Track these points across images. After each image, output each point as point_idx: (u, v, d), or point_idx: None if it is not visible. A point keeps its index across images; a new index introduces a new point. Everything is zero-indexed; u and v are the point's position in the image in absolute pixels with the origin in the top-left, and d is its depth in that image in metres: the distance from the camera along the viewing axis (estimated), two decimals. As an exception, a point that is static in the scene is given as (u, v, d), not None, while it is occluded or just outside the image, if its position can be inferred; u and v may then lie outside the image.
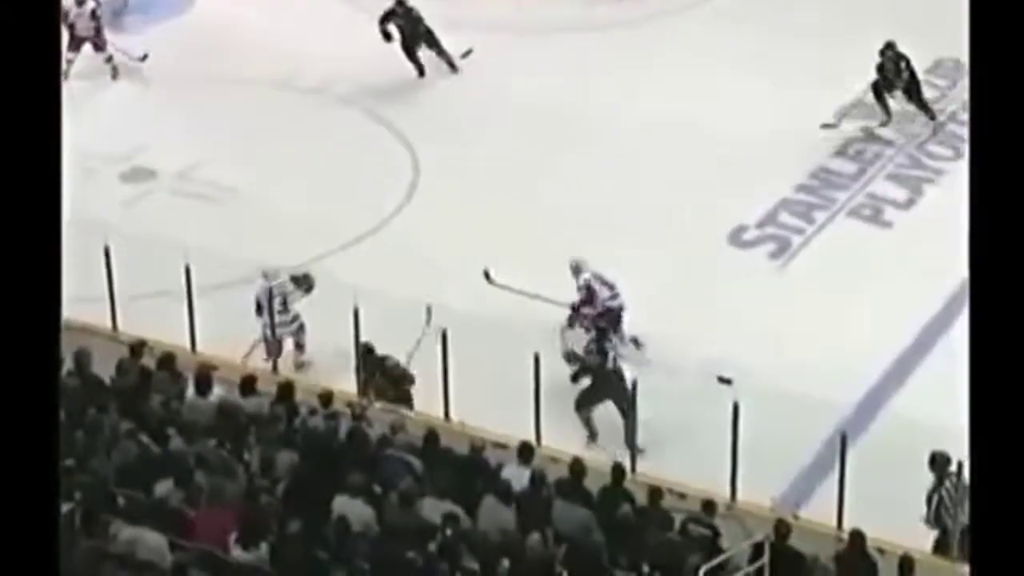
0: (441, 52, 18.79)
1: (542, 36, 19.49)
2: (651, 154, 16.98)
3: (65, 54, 18.64)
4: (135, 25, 20.09)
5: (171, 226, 15.38)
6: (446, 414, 12.60)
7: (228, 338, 13.63)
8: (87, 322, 13.67)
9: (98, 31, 19.23)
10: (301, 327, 13.96)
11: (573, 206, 16.09)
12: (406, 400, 12.98)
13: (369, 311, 12.71)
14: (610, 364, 13.04)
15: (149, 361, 12.44)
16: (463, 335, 12.37)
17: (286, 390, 11.91)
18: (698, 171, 16.49)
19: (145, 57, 19.17)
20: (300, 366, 13.91)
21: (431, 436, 11.39)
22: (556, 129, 17.52)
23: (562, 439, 12.39)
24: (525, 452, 11.30)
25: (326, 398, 11.93)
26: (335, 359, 13.40)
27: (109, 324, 13.77)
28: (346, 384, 12.94)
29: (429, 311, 12.73)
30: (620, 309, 13.99)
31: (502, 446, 11.57)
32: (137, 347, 12.57)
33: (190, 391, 12.03)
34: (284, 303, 13.81)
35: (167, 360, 12.37)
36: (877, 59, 17.34)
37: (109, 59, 19.28)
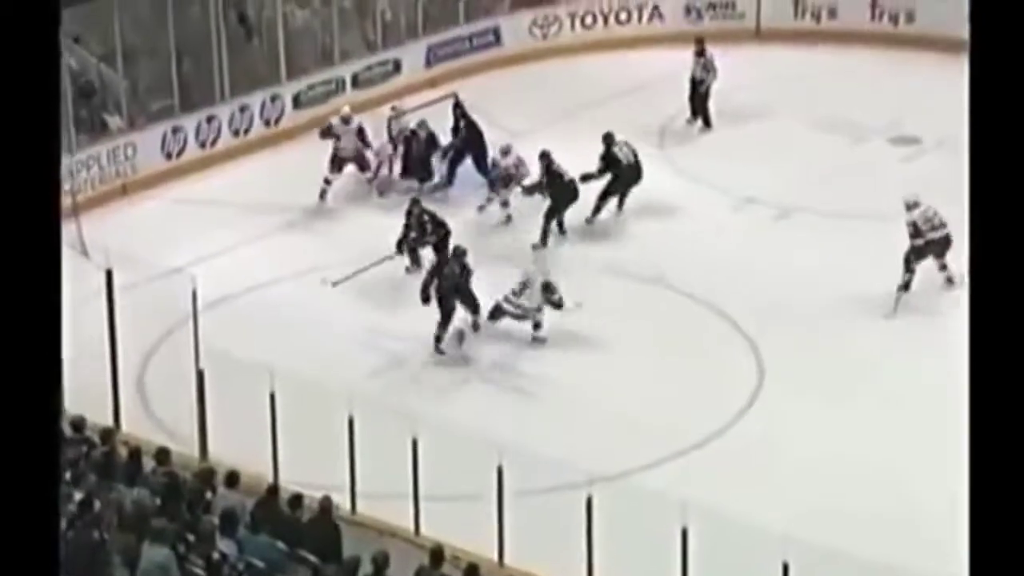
0: None
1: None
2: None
3: (325, 174, 19.70)
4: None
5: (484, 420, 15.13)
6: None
7: (539, 551, 13.04)
8: (387, 521, 13.37)
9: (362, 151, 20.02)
10: None
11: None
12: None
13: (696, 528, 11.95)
14: None
15: (452, 571, 11.98)
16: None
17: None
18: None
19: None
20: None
21: None
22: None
23: None
24: None
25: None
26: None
27: (412, 526, 13.39)
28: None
29: None
30: None
31: None
32: (438, 554, 12.15)
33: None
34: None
35: (472, 572, 11.89)
36: None
37: (371, 180, 19.94)
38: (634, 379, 16.27)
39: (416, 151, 20.60)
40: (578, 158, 19.98)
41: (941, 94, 22.92)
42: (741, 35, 25.33)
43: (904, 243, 17.68)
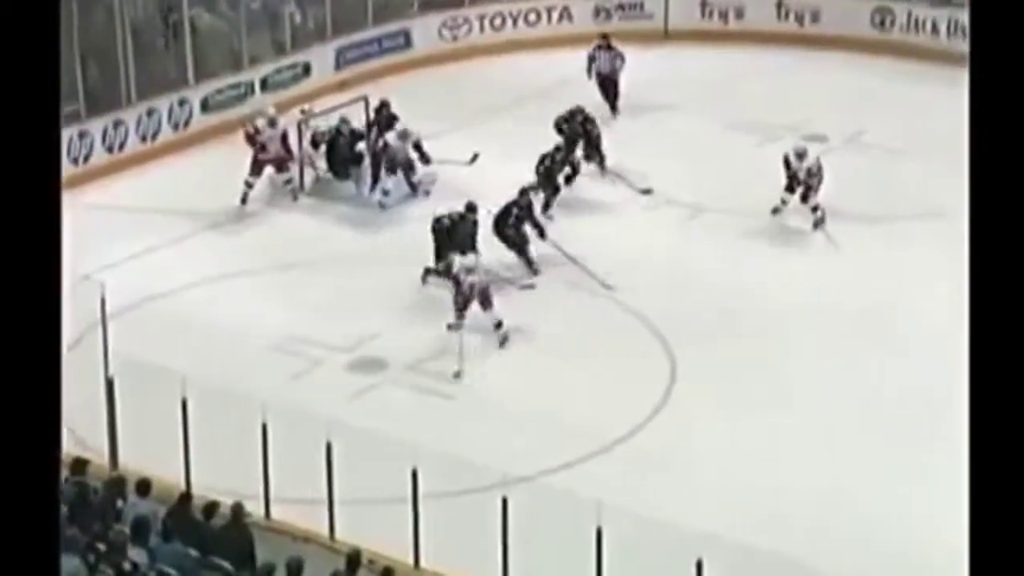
0: None
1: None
2: (944, 360, 16.07)
3: (247, 177, 19.83)
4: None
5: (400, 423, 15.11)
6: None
7: (455, 552, 13.02)
8: (306, 528, 13.30)
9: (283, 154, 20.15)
10: None
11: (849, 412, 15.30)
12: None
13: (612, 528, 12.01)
14: None
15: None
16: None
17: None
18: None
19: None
20: None
21: None
22: (836, 327, 16.84)
23: None
24: None
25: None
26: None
27: (327, 531, 13.33)
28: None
29: None
30: None
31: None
32: (354, 559, 12.10)
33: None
34: None
35: (387, 575, 11.85)
36: None
37: (289, 181, 20.07)
38: (549, 379, 16.28)
39: (340, 150, 20.55)
40: (489, 160, 20.05)
41: (847, 92, 23.35)
42: (650, 36, 25.48)
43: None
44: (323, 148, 20.69)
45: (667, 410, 15.77)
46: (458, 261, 16.92)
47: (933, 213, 19.31)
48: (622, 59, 22.82)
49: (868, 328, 17.04)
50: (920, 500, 14.06)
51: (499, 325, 16.88)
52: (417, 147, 20.26)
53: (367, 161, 20.63)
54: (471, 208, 17.99)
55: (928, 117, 21.85)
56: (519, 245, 18.21)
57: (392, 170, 20.19)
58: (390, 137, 20.31)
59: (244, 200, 20.10)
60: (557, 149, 19.85)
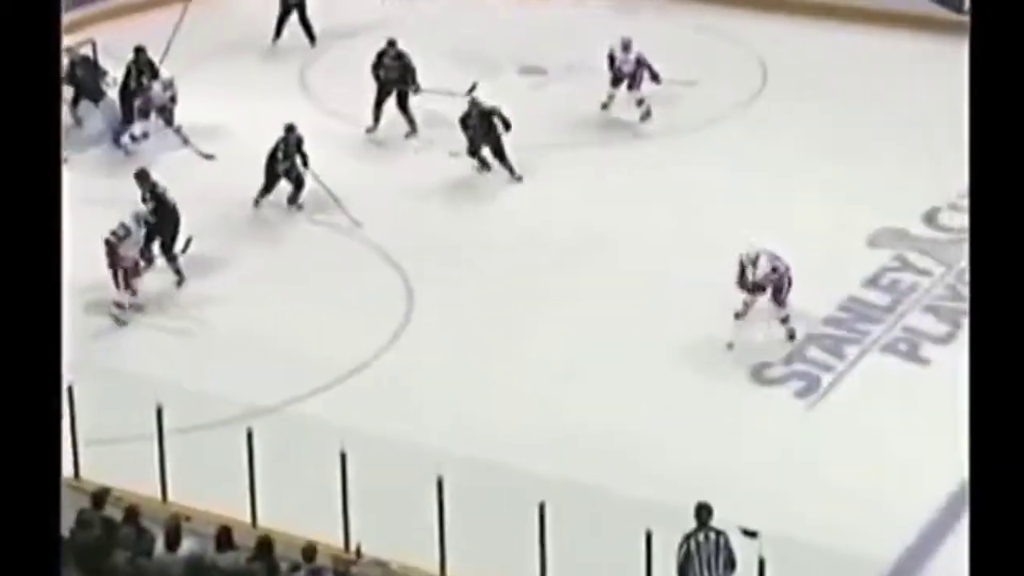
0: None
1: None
2: (666, 281, 16.76)
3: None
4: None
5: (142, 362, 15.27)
6: (442, 569, 12.28)
7: (203, 486, 13.27)
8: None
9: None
10: None
11: (577, 334, 15.96)
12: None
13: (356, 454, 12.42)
14: None
15: (114, 512, 12.07)
16: (461, 486, 12.13)
17: (265, 544, 11.57)
18: (716, 300, 16.17)
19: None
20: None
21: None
22: (561, 256, 17.45)
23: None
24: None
25: (309, 553, 11.55)
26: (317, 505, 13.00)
27: (71, 471, 13.39)
28: (332, 538, 12.55)
29: None
30: None
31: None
32: (100, 496, 12.22)
33: (159, 546, 11.65)
34: None
35: (132, 512, 12.00)
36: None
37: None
38: (283, 310, 16.51)
39: (84, 79, 20.41)
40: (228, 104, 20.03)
41: (565, 25, 23.81)
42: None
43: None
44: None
45: (404, 338, 16.16)
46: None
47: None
48: None
49: (582, 259, 17.57)
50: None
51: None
52: (173, 99, 20.09)
53: (109, 99, 20.39)
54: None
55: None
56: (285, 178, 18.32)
57: (145, 114, 20.03)
58: (154, 85, 20.07)
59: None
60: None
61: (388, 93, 20.42)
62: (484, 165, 19.21)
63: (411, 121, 20.41)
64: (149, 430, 13.03)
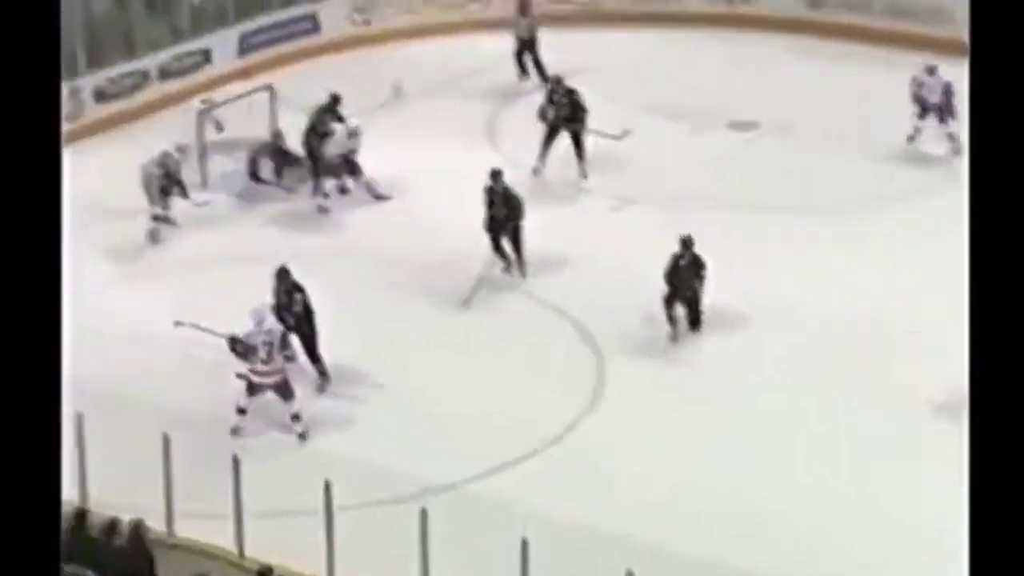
0: None
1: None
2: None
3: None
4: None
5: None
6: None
7: (371, 568, 13.31)
8: (212, 544, 13.52)
9: None
10: None
11: (784, 419, 15.78)
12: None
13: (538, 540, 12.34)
14: None
15: (277, 593, 12.20)
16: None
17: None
18: None
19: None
20: None
21: None
22: (776, 332, 17.32)
23: None
24: None
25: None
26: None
27: (235, 547, 13.54)
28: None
29: None
30: None
31: None
32: (265, 573, 12.34)
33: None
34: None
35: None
36: None
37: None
38: (469, 382, 16.50)
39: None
40: (407, 151, 20.22)
41: (779, 76, 23.61)
42: (576, 16, 25.65)
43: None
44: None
45: (593, 415, 16.01)
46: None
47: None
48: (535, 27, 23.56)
49: (786, 324, 17.38)
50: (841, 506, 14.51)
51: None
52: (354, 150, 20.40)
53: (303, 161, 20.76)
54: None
55: (864, 103, 22.26)
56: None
57: (332, 169, 20.33)
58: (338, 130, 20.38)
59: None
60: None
61: (556, 133, 20.59)
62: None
63: (582, 162, 20.56)
64: (316, 505, 13.09)
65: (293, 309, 16.30)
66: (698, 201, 19.93)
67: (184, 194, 19.65)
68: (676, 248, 17.19)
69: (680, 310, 17.18)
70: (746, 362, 16.83)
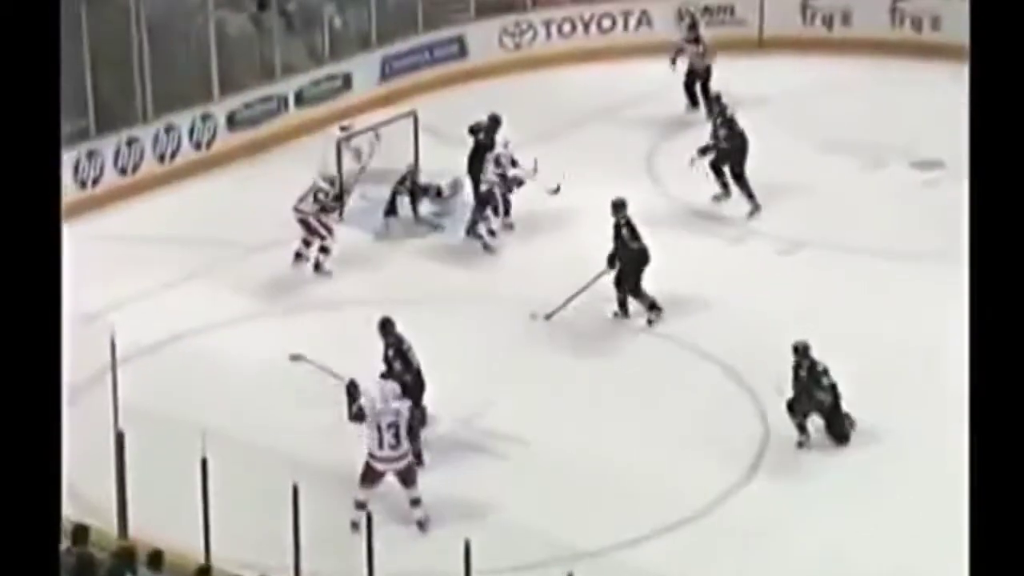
0: None
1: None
2: None
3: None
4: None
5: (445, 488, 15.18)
6: None
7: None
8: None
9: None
10: None
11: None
12: None
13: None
14: None
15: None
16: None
17: None
18: None
19: None
20: None
21: None
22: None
23: None
24: None
25: None
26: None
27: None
28: None
29: None
30: None
31: None
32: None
33: None
34: None
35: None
36: None
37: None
38: (619, 437, 16.18)
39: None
40: (559, 182, 20.06)
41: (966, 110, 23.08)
42: (741, 44, 25.45)
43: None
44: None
45: (758, 478, 15.60)
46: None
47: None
48: (709, 54, 23.42)
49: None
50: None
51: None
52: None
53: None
54: None
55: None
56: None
57: (486, 202, 20.21)
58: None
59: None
60: None
61: (723, 164, 20.63)
62: None
63: (751, 197, 20.50)
64: (456, 568, 12.76)
65: (400, 372, 15.87)
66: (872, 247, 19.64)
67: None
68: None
69: (817, 420, 16.10)
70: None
